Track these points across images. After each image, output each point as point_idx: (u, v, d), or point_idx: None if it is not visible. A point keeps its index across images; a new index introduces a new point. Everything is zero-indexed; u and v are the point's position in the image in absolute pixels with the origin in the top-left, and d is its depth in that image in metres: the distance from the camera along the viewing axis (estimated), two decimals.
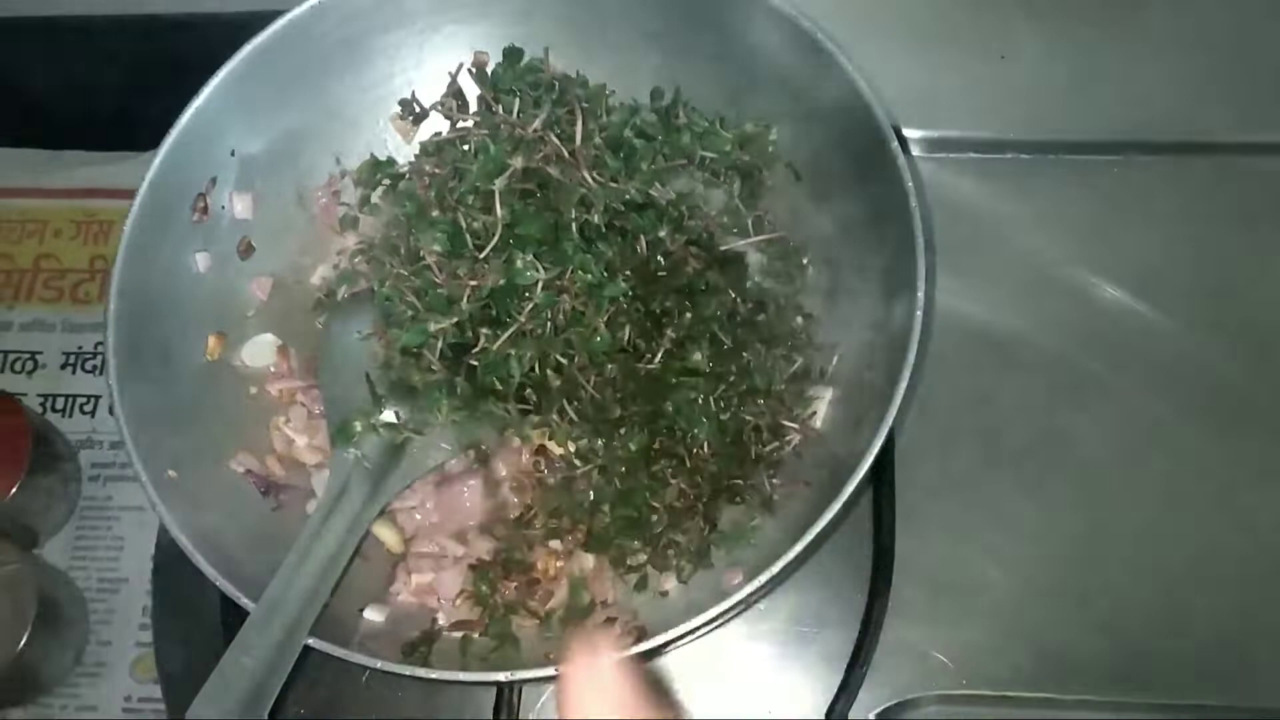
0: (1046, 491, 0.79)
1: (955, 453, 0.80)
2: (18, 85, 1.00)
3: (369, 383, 0.71)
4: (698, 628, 0.61)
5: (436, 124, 0.78)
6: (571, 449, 0.71)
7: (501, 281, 0.67)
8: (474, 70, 0.76)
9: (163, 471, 0.66)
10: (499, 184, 0.68)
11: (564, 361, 0.69)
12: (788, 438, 0.72)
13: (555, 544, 0.72)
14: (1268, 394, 0.81)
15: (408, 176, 0.77)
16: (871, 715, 0.74)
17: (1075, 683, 0.75)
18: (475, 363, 0.69)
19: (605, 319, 0.69)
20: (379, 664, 0.61)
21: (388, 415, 0.71)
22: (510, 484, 0.73)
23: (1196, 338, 0.83)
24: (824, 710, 0.73)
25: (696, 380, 0.70)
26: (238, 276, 0.76)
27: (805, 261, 0.76)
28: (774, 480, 0.71)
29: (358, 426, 0.70)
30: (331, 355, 0.74)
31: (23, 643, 0.75)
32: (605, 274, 0.69)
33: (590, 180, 0.69)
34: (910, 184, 0.65)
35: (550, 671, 0.61)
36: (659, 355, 0.70)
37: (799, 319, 0.76)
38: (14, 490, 0.80)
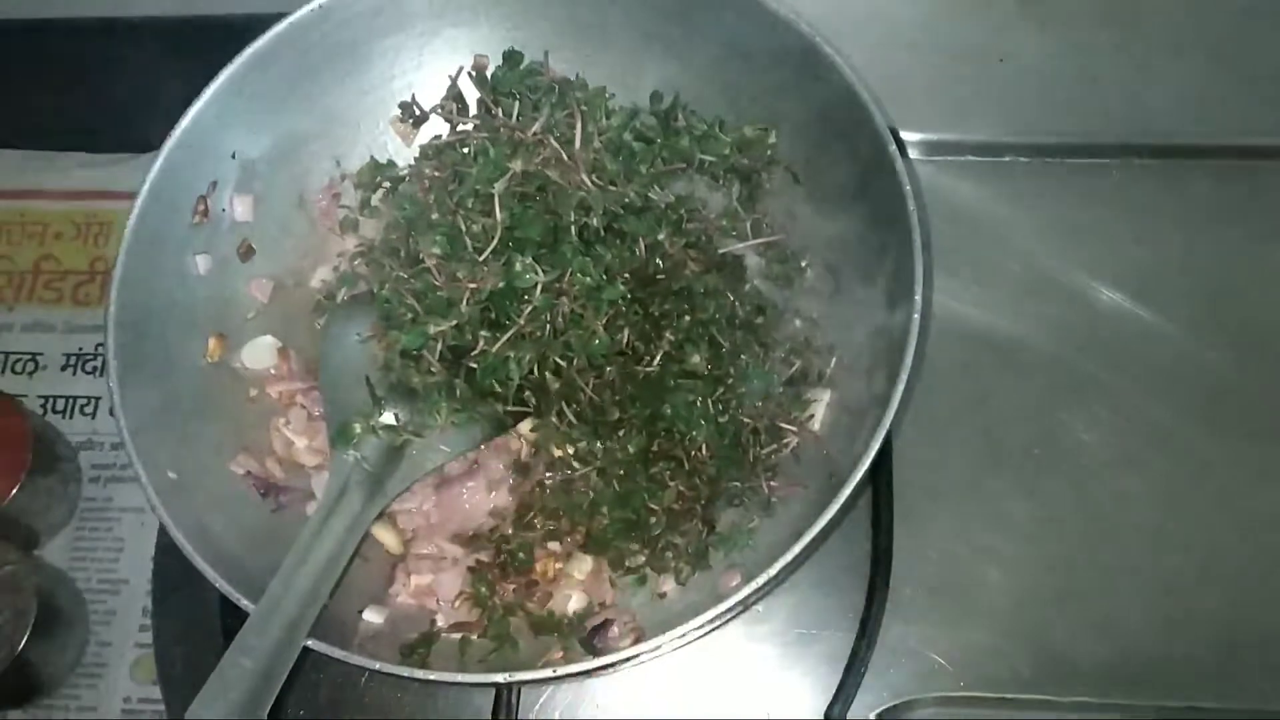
0: (1045, 493, 0.79)
1: (953, 455, 0.81)
2: (18, 87, 1.01)
3: (369, 385, 0.71)
4: (696, 629, 0.61)
5: (436, 127, 0.78)
6: (570, 451, 0.71)
7: (501, 284, 0.68)
8: (474, 73, 0.77)
9: (163, 473, 0.66)
10: (498, 187, 0.68)
11: (563, 364, 0.69)
12: (786, 440, 0.72)
13: (554, 545, 0.72)
14: (1266, 397, 0.81)
15: (408, 179, 0.77)
16: (870, 716, 0.74)
17: (1074, 684, 0.75)
18: (474, 365, 0.69)
19: (604, 321, 0.69)
20: (378, 665, 0.61)
21: (387, 417, 0.71)
22: (509, 486, 0.73)
23: (1195, 340, 0.83)
24: (822, 711, 0.73)
25: (695, 383, 0.70)
26: (238, 279, 0.76)
27: (804, 264, 0.77)
28: (772, 482, 0.71)
29: (357, 428, 0.70)
30: (331, 357, 0.74)
31: (23, 643, 0.75)
32: (604, 277, 0.69)
33: (589, 183, 0.70)
34: (908, 187, 0.65)
35: (548, 673, 0.62)
36: (658, 358, 0.70)
37: (797, 322, 0.76)
38: (14, 491, 0.80)
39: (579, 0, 0.76)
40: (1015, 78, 0.90)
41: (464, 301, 0.68)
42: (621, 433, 0.70)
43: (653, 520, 0.70)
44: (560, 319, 0.69)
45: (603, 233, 0.70)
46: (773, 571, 0.61)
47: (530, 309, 0.68)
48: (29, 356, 0.93)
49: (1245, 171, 0.88)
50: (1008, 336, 0.84)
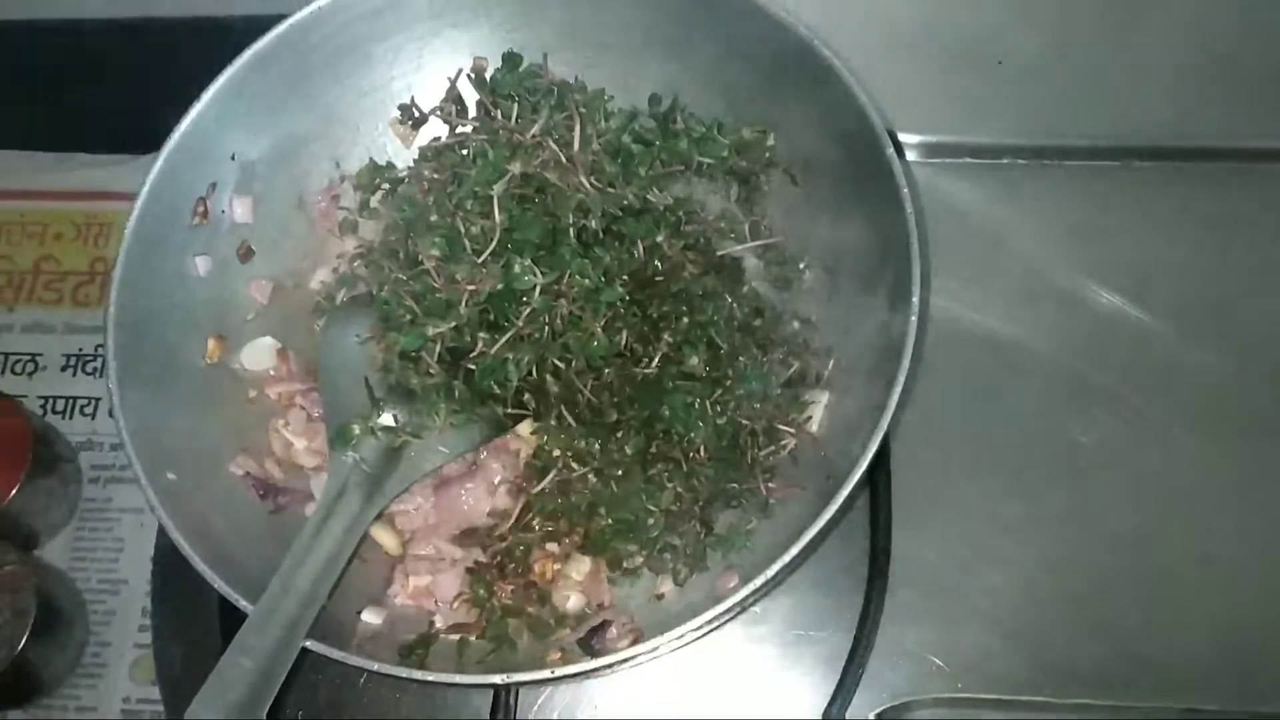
0: (1043, 495, 0.79)
1: (951, 457, 0.81)
2: (19, 87, 1.01)
3: (367, 386, 0.71)
4: (694, 630, 0.61)
5: (435, 129, 0.79)
6: (569, 452, 0.71)
7: (499, 286, 0.68)
8: (473, 75, 0.77)
9: (162, 474, 0.66)
10: (497, 189, 0.69)
11: (561, 366, 0.70)
12: (784, 442, 0.72)
13: (552, 547, 0.72)
14: (1264, 399, 0.81)
15: (407, 181, 0.77)
16: (868, 717, 0.74)
17: (1072, 686, 0.75)
18: (473, 367, 0.69)
19: (602, 323, 0.69)
20: (376, 666, 0.62)
21: (386, 418, 0.71)
22: (507, 487, 0.73)
23: (1194, 343, 0.83)
24: (820, 712, 0.73)
25: (693, 384, 0.70)
26: (237, 280, 0.76)
27: (802, 266, 0.77)
28: (770, 484, 0.71)
29: (356, 430, 0.70)
30: (330, 359, 0.74)
31: (22, 643, 0.76)
32: (603, 279, 0.69)
33: (588, 185, 0.70)
34: (906, 189, 0.65)
35: (546, 674, 0.62)
36: (656, 359, 0.71)
37: (795, 324, 0.76)
38: (14, 491, 0.80)
39: (578, 3, 0.76)
40: (1014, 80, 0.90)
41: (463, 303, 0.68)
42: (620, 434, 0.70)
43: (651, 521, 0.70)
44: (559, 321, 0.69)
45: (601, 235, 0.70)
46: (770, 573, 0.61)
47: (529, 311, 0.68)
48: (29, 357, 0.93)
49: (1244, 174, 0.88)
50: (1006, 338, 0.84)
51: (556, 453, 0.72)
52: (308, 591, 0.63)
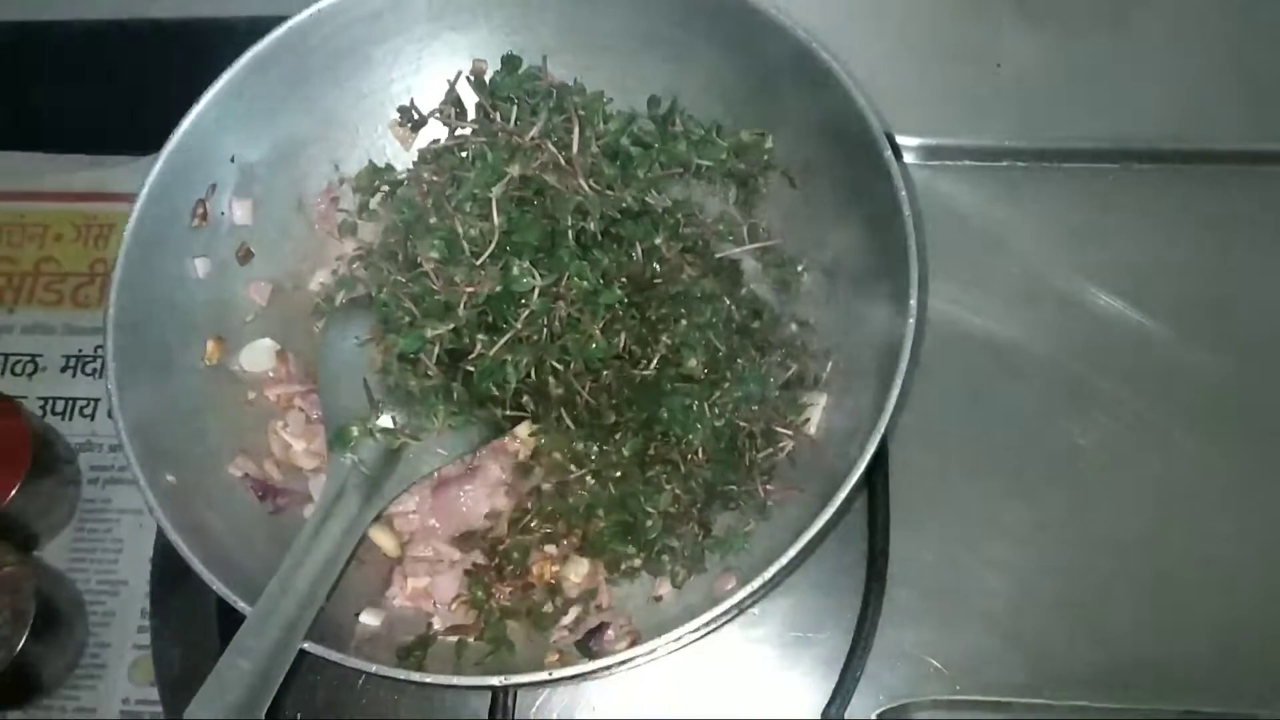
0: (1041, 497, 0.79)
1: (950, 458, 0.81)
2: (19, 87, 1.01)
3: (366, 388, 0.71)
4: (692, 632, 0.61)
5: (435, 131, 0.79)
6: (567, 454, 0.71)
7: (498, 288, 0.68)
8: (472, 78, 0.77)
9: (161, 475, 0.66)
10: (496, 191, 0.69)
11: (560, 367, 0.70)
12: (782, 444, 0.72)
13: (550, 549, 0.72)
14: (1263, 401, 0.81)
15: (406, 183, 0.77)
16: (869, 718, 0.74)
17: (1071, 688, 0.75)
18: (472, 368, 0.69)
19: (601, 325, 0.69)
20: (375, 668, 0.62)
21: (385, 420, 0.71)
22: (506, 489, 0.73)
23: (1193, 345, 0.83)
24: (818, 714, 0.73)
25: (691, 386, 0.70)
26: (236, 282, 0.76)
27: (800, 269, 0.77)
28: (768, 486, 0.71)
29: (355, 431, 0.70)
30: (329, 361, 0.74)
31: (21, 644, 0.76)
32: (601, 281, 0.69)
33: (587, 188, 0.70)
34: (904, 192, 0.65)
35: (544, 676, 0.62)
36: (654, 362, 0.71)
37: (794, 326, 0.76)
38: (14, 492, 0.80)
39: (577, 5, 0.76)
40: (1012, 82, 0.90)
41: (461, 305, 0.68)
42: (618, 436, 0.70)
43: (649, 523, 0.70)
44: (557, 323, 0.69)
45: (600, 237, 0.71)
46: (768, 575, 0.61)
47: (527, 313, 0.68)
48: (29, 358, 0.93)
49: (1243, 176, 0.88)
50: (1004, 341, 0.84)
51: (555, 454, 0.72)
52: (306, 593, 0.63)
